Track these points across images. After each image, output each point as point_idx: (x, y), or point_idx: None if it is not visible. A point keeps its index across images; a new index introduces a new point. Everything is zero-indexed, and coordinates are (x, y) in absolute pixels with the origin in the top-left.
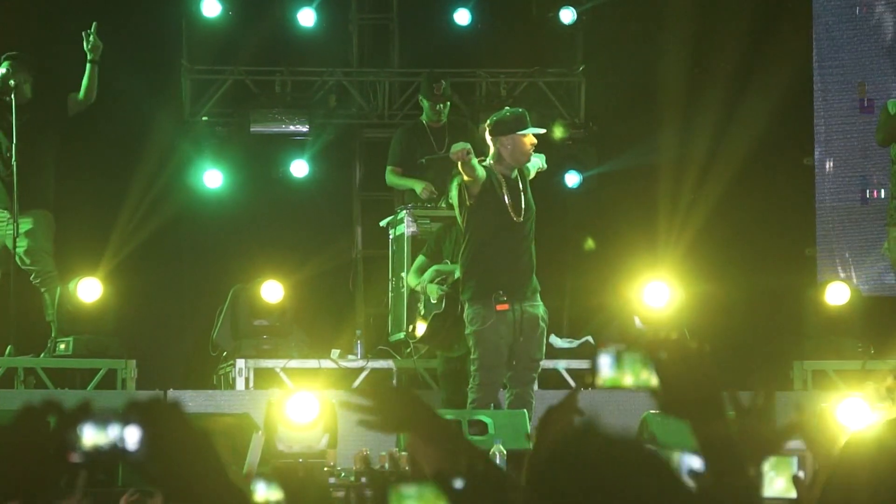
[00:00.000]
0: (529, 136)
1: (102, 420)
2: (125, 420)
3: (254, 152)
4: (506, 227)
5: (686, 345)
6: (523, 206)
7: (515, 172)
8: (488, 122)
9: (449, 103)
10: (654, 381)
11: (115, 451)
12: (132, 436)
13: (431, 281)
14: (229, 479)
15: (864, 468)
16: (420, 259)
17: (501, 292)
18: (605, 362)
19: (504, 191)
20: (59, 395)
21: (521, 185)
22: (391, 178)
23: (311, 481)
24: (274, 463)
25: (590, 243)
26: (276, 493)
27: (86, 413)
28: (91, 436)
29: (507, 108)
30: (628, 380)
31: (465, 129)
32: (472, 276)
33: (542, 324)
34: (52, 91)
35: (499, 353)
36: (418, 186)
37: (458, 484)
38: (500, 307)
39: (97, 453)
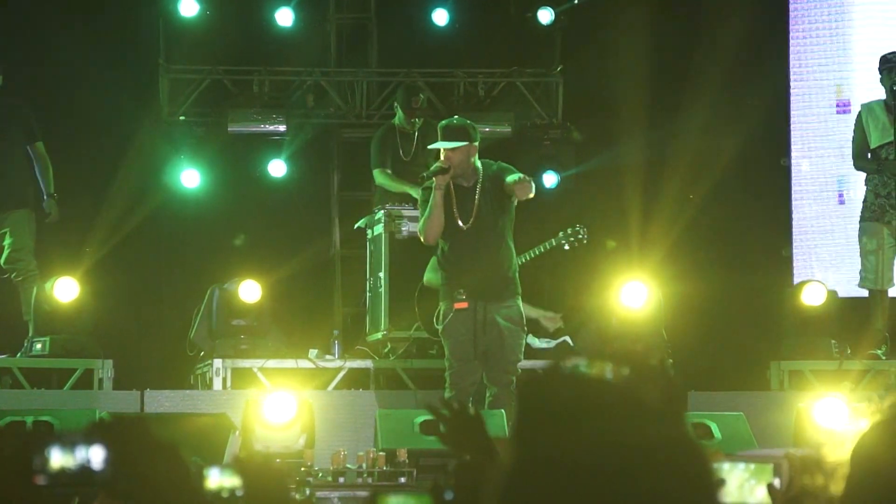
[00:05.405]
0: (443, 150)
1: (69, 442)
2: (90, 440)
3: (231, 152)
4: (455, 232)
5: (648, 360)
6: (474, 213)
7: (474, 181)
8: None
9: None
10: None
11: (83, 473)
12: (97, 456)
13: None
14: (199, 490)
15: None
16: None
17: (461, 291)
18: None
19: (454, 198)
20: (34, 397)
21: (476, 193)
22: (383, 179)
23: (267, 468)
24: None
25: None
26: (233, 480)
27: (49, 436)
28: (58, 458)
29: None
30: None
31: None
32: (441, 276)
33: (509, 324)
34: (22, 89)
35: (462, 348)
36: (414, 193)
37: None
38: (458, 305)
39: (64, 475)
